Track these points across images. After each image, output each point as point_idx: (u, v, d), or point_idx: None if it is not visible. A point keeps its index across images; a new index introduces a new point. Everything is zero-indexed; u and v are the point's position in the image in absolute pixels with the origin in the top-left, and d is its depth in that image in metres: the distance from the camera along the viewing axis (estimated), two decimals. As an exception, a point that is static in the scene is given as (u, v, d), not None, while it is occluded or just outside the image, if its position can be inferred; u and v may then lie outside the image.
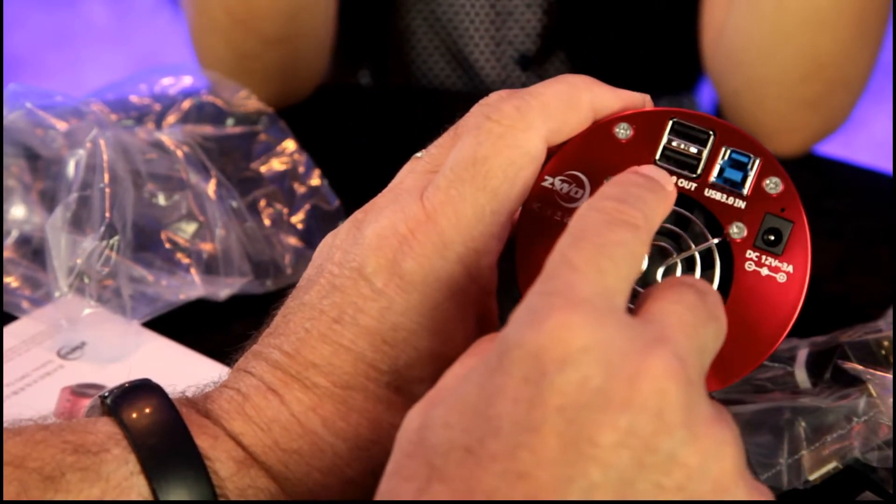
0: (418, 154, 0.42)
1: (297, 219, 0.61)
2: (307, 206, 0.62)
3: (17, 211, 0.61)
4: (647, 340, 0.31)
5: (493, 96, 0.41)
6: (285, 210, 0.61)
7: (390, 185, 0.41)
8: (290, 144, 0.63)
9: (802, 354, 0.52)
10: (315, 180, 0.62)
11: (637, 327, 0.31)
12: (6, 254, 0.59)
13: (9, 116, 0.60)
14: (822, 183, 0.74)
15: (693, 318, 0.33)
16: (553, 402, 0.30)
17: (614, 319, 0.31)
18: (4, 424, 0.38)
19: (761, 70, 0.72)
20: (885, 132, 1.77)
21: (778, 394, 0.51)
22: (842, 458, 0.48)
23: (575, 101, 0.40)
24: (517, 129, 0.39)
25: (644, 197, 0.35)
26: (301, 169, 0.62)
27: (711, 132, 0.40)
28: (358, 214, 0.40)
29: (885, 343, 0.51)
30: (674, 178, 0.40)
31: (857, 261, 0.65)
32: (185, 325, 0.57)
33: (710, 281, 0.40)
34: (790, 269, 0.40)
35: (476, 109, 0.40)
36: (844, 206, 0.70)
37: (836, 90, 0.73)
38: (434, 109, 0.80)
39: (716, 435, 0.31)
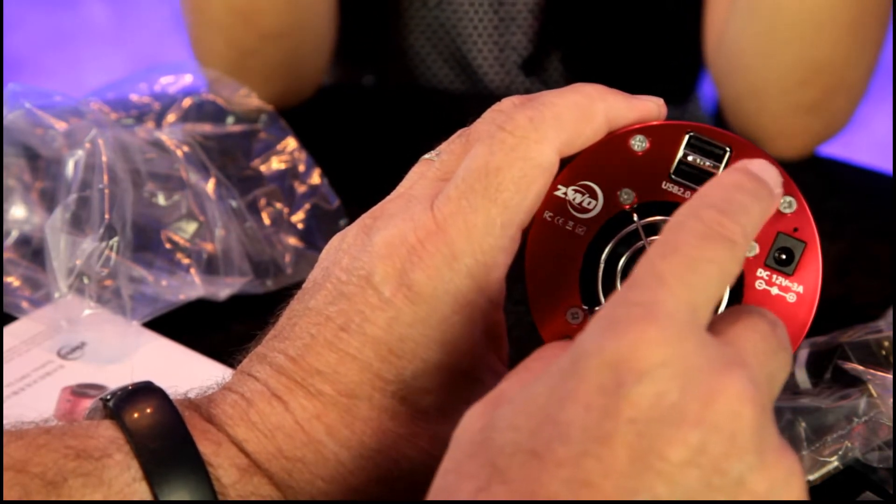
0: (427, 156, 0.41)
1: (298, 218, 0.61)
2: (307, 206, 0.61)
3: (17, 211, 0.61)
4: (724, 362, 0.31)
5: (506, 103, 0.40)
6: (285, 209, 0.61)
7: (399, 190, 0.41)
8: (290, 142, 0.63)
9: (802, 354, 0.52)
10: (315, 179, 0.62)
11: (715, 347, 0.31)
12: (6, 254, 0.59)
13: (8, 116, 0.60)
14: (822, 183, 0.74)
15: (766, 346, 0.33)
16: (626, 414, 0.30)
17: (695, 337, 0.31)
18: (5, 426, 0.38)
19: (760, 75, 0.73)
20: (885, 132, 1.77)
21: (778, 394, 0.51)
22: (842, 459, 0.48)
23: (589, 113, 0.40)
24: (530, 141, 0.39)
25: (748, 206, 0.34)
26: (301, 167, 0.62)
27: (728, 148, 0.40)
28: (366, 219, 0.40)
29: (886, 343, 0.51)
30: (687, 193, 0.40)
31: (857, 261, 0.65)
32: (185, 325, 0.57)
33: (720, 298, 0.40)
34: (800, 289, 0.40)
35: (488, 116, 0.40)
36: (844, 207, 0.70)
37: (835, 95, 0.73)
38: (436, 110, 0.80)
39: (785, 464, 0.31)
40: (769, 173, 0.35)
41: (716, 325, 0.33)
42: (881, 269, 0.64)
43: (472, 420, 0.32)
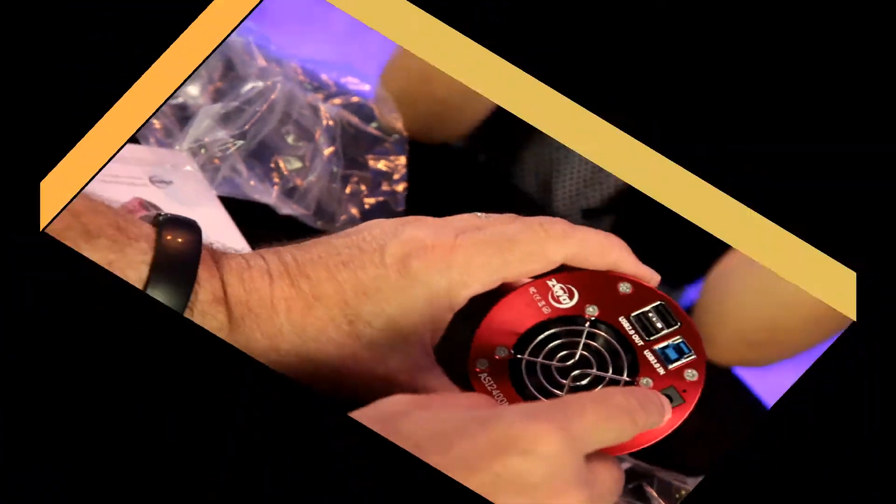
0: (478, 213, 0.52)
1: (370, 201, 0.71)
2: (381, 199, 0.71)
3: (192, 89, 0.70)
4: (580, 481, 0.40)
5: (555, 219, 0.50)
6: (365, 189, 0.70)
7: (444, 218, 0.51)
8: (401, 159, 0.72)
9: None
10: (400, 187, 0.72)
11: (584, 472, 0.40)
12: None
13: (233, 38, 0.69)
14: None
15: (617, 487, 0.44)
16: (496, 468, 0.39)
17: (577, 457, 0.40)
18: (81, 193, 0.46)
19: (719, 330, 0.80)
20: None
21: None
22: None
23: (605, 251, 0.50)
24: (552, 241, 0.49)
25: (655, 415, 0.44)
26: (396, 176, 0.72)
27: (680, 323, 0.49)
28: (409, 218, 0.50)
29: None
30: (634, 335, 0.49)
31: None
32: (244, 221, 0.64)
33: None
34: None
35: (539, 217, 0.50)
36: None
37: (780, 353, 0.79)
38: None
39: None
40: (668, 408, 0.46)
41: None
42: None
43: (396, 403, 0.41)
